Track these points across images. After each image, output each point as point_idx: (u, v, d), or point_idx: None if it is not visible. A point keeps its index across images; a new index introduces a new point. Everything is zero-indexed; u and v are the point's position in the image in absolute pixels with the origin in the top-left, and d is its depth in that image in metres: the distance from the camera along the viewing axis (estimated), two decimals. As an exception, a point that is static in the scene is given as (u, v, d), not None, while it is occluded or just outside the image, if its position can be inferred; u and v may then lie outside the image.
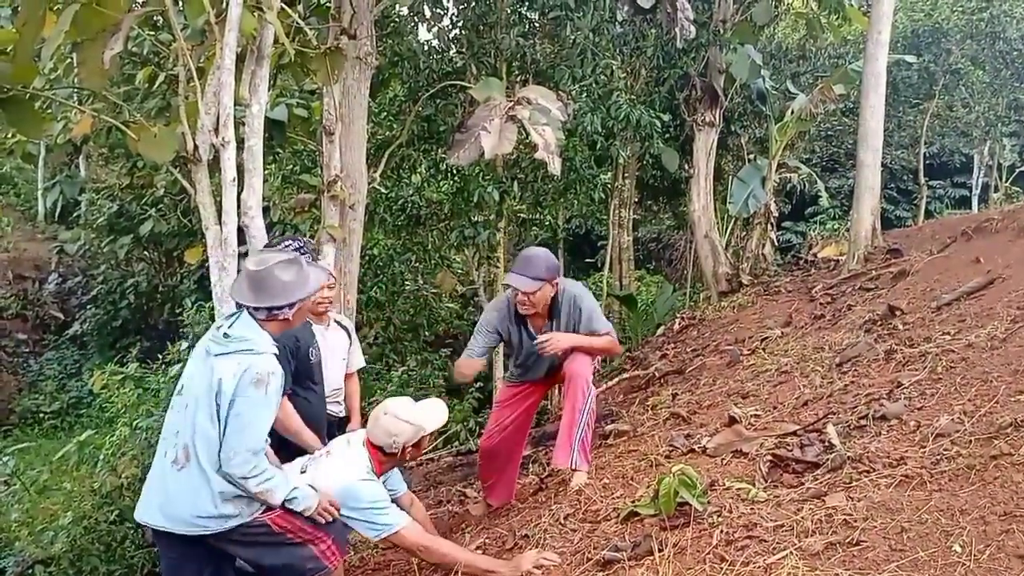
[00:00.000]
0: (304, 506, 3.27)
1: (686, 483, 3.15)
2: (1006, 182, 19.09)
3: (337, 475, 3.50)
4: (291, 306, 3.26)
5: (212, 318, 5.52)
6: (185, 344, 9.39)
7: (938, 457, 3.02)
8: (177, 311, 11.13)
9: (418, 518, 3.80)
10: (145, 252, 15.09)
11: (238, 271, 4.69)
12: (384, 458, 3.61)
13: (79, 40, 4.54)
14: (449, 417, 4.24)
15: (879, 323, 5.75)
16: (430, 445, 4.03)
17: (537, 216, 12.84)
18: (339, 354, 4.80)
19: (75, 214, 17.28)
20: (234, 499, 3.12)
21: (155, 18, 6.94)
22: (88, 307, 16.47)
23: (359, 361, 5.05)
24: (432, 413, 3.71)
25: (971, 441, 3.07)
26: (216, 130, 4.57)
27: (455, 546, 3.65)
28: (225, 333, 3.20)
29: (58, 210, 19.08)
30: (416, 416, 3.61)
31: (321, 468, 3.59)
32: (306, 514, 3.28)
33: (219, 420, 3.07)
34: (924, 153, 17.35)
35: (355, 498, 3.44)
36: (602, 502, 3.79)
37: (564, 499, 4.08)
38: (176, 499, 3.14)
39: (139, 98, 8.16)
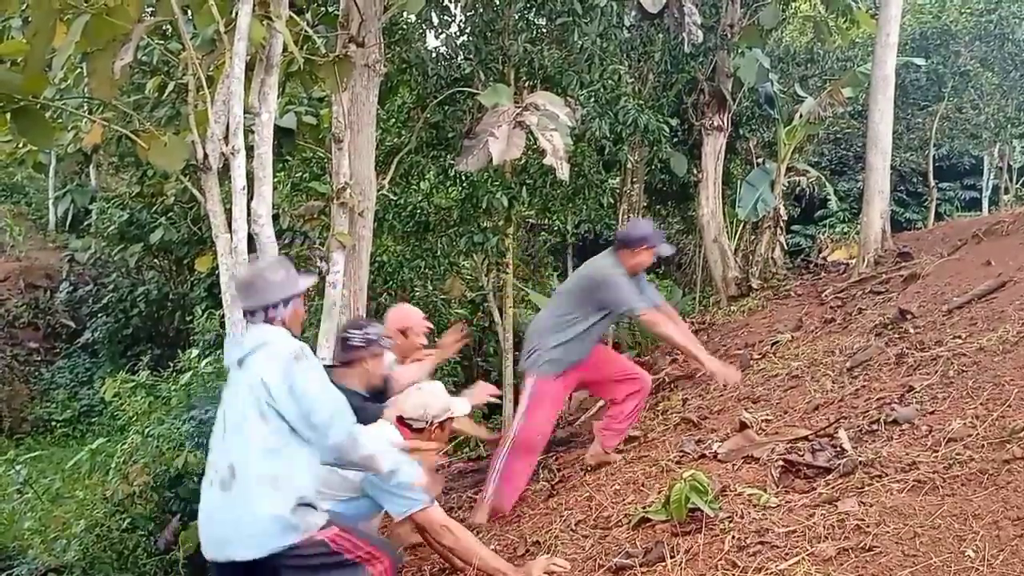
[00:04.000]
0: (407, 477, 3.34)
1: (697, 489, 3.15)
2: (1016, 184, 19.01)
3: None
4: (285, 303, 3.26)
5: (222, 325, 5.55)
6: (195, 351, 9.42)
7: (950, 462, 3.00)
8: (188, 319, 11.17)
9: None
10: (155, 260, 15.14)
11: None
12: (412, 435, 3.62)
13: (89, 50, 4.57)
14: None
15: (890, 327, 5.72)
16: (442, 448, 4.05)
17: (546, 221, 12.86)
18: None
19: (86, 223, 17.37)
20: (289, 512, 3.00)
21: (164, 27, 6.98)
22: (99, 315, 16.52)
23: None
24: (459, 400, 3.83)
25: (983, 445, 3.05)
26: (226, 138, 4.60)
27: (475, 538, 3.65)
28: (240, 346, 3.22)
29: (69, 219, 19.18)
30: (446, 395, 3.74)
31: None
32: (409, 482, 3.35)
33: (279, 414, 3.01)
34: (933, 155, 17.29)
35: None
36: (613, 508, 3.79)
37: (575, 505, 4.08)
38: (228, 522, 3.06)
39: (149, 107, 8.20)
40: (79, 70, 7.13)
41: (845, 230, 15.16)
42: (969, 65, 16.16)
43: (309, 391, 3.02)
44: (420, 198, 10.59)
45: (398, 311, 5.12)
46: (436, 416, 3.65)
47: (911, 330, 5.41)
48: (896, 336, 5.40)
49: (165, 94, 7.63)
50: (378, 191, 6.71)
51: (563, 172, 5.60)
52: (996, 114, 16.91)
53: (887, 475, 3.09)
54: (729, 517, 3.09)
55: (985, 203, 18.76)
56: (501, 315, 10.67)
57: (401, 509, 3.48)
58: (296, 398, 3.00)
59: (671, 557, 2.94)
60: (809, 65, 14.15)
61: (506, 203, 9.81)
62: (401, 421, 3.66)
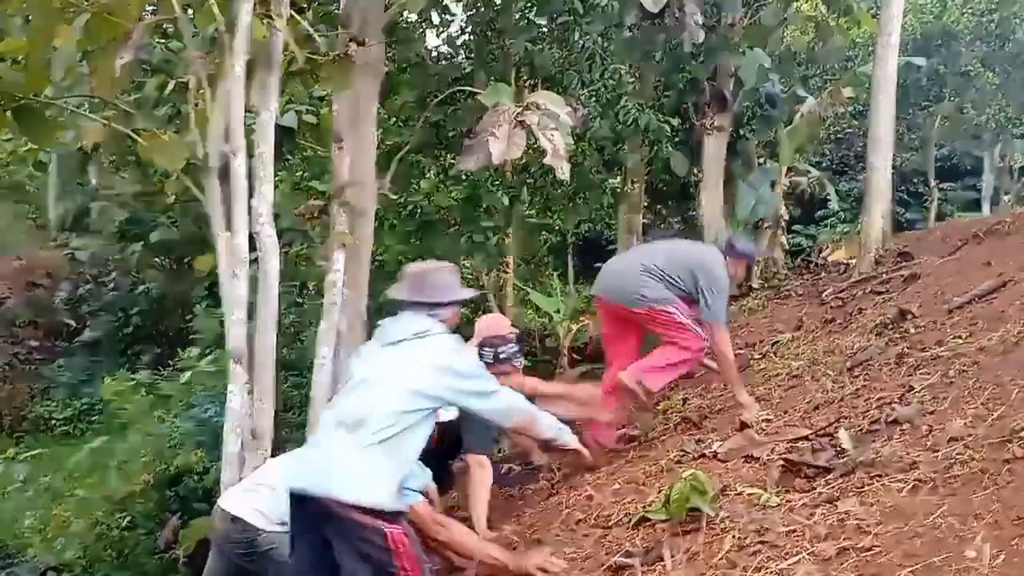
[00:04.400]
0: (566, 440, 3.56)
1: (697, 488, 3.15)
2: (1017, 184, 19.01)
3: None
4: (447, 306, 3.47)
5: (222, 325, 5.54)
6: (196, 350, 9.44)
7: (951, 461, 3.00)
8: (188, 318, 11.19)
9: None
10: (156, 259, 15.13)
11: (249, 278, 4.73)
12: None
13: (90, 49, 4.57)
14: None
15: (890, 327, 5.72)
16: None
17: (546, 221, 12.85)
18: None
19: (86, 222, 17.34)
20: (392, 483, 3.09)
21: (165, 26, 6.98)
22: (99, 314, 16.54)
23: None
24: None
25: (984, 445, 3.05)
26: (227, 137, 4.60)
27: (467, 530, 3.73)
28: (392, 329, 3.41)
29: (69, 218, 19.13)
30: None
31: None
32: (565, 445, 3.54)
33: (425, 397, 3.15)
34: (934, 156, 17.29)
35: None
36: (613, 507, 3.79)
37: (575, 504, 4.08)
38: (342, 460, 3.10)
39: (150, 106, 8.19)
40: (80, 69, 7.13)
41: (846, 230, 15.16)
42: (970, 65, 16.16)
43: (474, 370, 3.29)
44: (421, 198, 10.60)
45: (491, 320, 5.05)
46: None
47: (911, 330, 5.40)
48: (897, 336, 5.39)
49: (166, 93, 7.62)
50: (379, 190, 6.70)
51: (564, 172, 5.59)
52: (997, 114, 16.91)
53: (887, 475, 3.08)
54: (729, 517, 3.09)
55: (986, 203, 18.75)
56: (502, 314, 10.66)
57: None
58: (463, 376, 3.22)
59: (671, 556, 2.94)
60: (810, 65, 14.16)
61: (507, 203, 9.82)
62: None
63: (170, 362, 10.07)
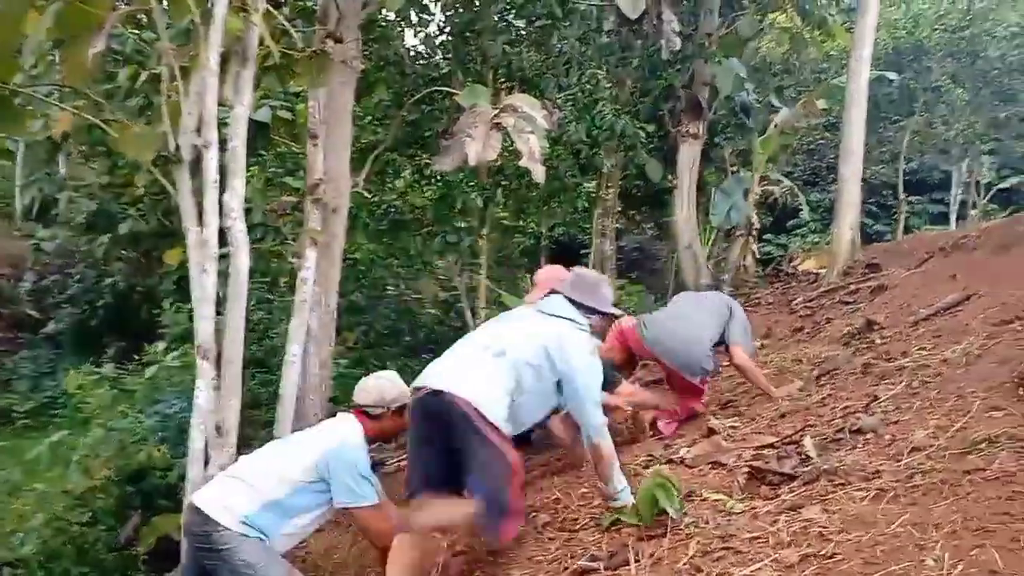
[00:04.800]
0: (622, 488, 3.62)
1: (664, 487, 3.16)
2: (984, 199, 19.30)
3: (333, 434, 3.68)
4: (601, 315, 3.90)
5: (191, 319, 5.48)
6: (162, 345, 9.32)
7: (913, 471, 3.03)
8: (155, 312, 11.04)
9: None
10: (123, 252, 14.91)
11: (218, 273, 4.68)
12: (369, 423, 3.77)
13: (62, 37, 4.50)
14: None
15: (857, 337, 5.80)
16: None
17: (520, 223, 12.86)
18: None
19: (53, 212, 17.08)
20: (509, 411, 3.47)
21: (139, 17, 6.90)
22: (64, 306, 16.28)
23: None
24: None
25: (945, 456, 3.09)
26: (199, 130, 4.55)
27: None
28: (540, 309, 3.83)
29: (36, 208, 18.82)
30: (401, 383, 3.89)
31: (311, 433, 3.85)
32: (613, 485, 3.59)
33: (543, 364, 3.57)
34: (904, 169, 17.52)
35: (346, 457, 3.56)
36: (580, 511, 3.79)
37: (542, 507, 4.08)
38: (476, 373, 3.47)
39: (121, 96, 8.08)
40: (51, 57, 7.02)
41: (816, 240, 15.33)
42: (940, 81, 16.40)
43: (595, 374, 3.66)
44: (395, 197, 10.56)
45: (549, 271, 5.18)
46: (393, 402, 3.79)
47: (878, 340, 5.47)
48: (863, 346, 5.46)
49: (138, 84, 7.52)
50: (352, 188, 6.67)
51: (539, 175, 5.60)
52: (966, 130, 17.16)
53: (850, 483, 3.11)
54: (694, 522, 3.10)
55: (953, 217, 19.04)
56: (473, 316, 10.65)
57: (346, 499, 3.55)
58: (582, 372, 3.59)
59: (636, 561, 2.95)
60: (785, 76, 14.31)
61: (481, 204, 9.80)
62: (358, 409, 3.80)
63: (135, 356, 9.92)
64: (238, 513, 3.46)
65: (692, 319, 5.24)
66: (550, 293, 3.95)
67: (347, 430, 3.71)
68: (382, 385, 3.85)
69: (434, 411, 3.41)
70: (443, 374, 3.49)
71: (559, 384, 3.63)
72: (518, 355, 3.55)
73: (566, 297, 3.83)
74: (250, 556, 3.42)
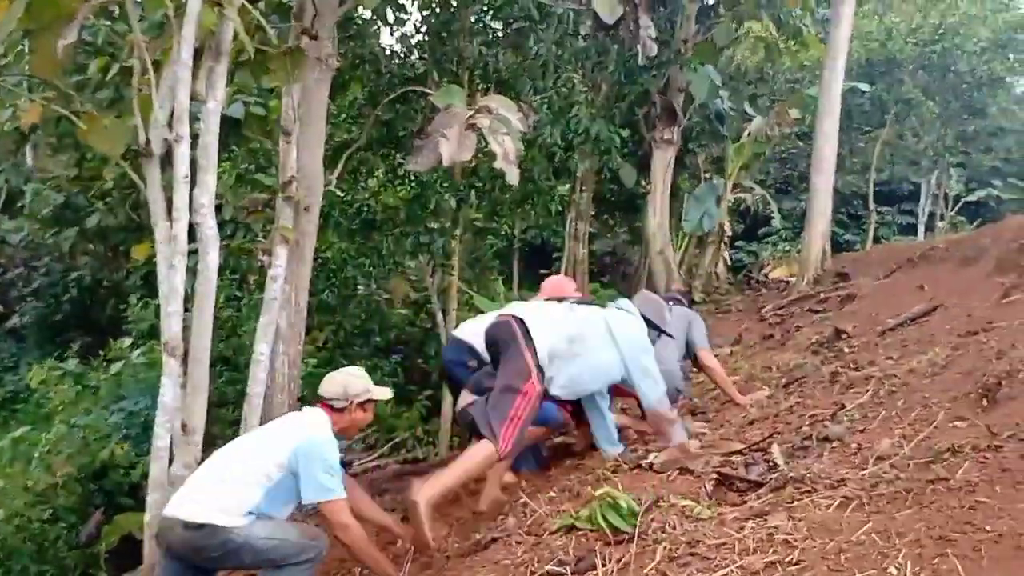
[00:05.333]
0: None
1: (613, 507, 3.17)
2: (951, 211, 19.59)
3: (301, 428, 3.74)
4: (660, 333, 4.70)
5: (157, 316, 5.42)
6: (128, 341, 9.20)
7: (877, 480, 3.06)
8: (121, 307, 10.91)
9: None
10: (90, 246, 14.68)
11: (187, 269, 4.63)
12: (334, 416, 3.83)
13: (32, 28, 4.43)
14: (397, 423, 4.49)
15: (825, 345, 5.85)
16: (378, 451, 4.24)
17: (493, 225, 12.84)
18: None
19: (19, 204, 16.80)
20: (561, 358, 4.15)
21: (111, 8, 6.80)
22: (28, 300, 16.02)
23: None
24: (381, 387, 4.06)
25: (909, 465, 3.12)
26: (170, 125, 4.50)
27: (369, 543, 3.80)
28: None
29: (1, 199, 18.52)
30: (366, 378, 3.98)
31: (279, 426, 3.92)
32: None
33: (612, 342, 4.32)
34: (874, 180, 17.72)
35: (315, 451, 3.62)
36: (547, 516, 3.78)
37: (509, 511, 4.07)
38: (537, 313, 4.25)
39: (91, 89, 7.97)
40: (20, 47, 6.91)
41: (787, 248, 15.46)
42: (912, 93, 16.61)
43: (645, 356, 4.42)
44: (368, 196, 10.50)
45: (556, 281, 5.60)
46: (356, 396, 3.85)
47: (846, 349, 5.53)
48: (831, 355, 5.52)
49: (108, 76, 7.42)
50: (325, 187, 6.62)
51: (513, 177, 5.60)
52: (935, 142, 17.40)
53: (816, 491, 3.13)
54: (661, 528, 3.11)
55: (921, 228, 19.29)
56: (444, 317, 10.62)
57: (312, 494, 3.59)
58: (637, 351, 4.34)
59: (603, 566, 2.94)
60: (759, 84, 14.42)
61: (454, 205, 9.78)
62: (324, 403, 3.86)
63: (100, 352, 9.79)
64: (235, 510, 3.52)
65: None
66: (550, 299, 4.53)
67: (315, 424, 3.76)
68: (347, 380, 3.91)
69: (492, 334, 4.20)
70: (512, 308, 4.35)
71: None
72: (588, 315, 4.34)
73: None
74: (265, 531, 3.54)
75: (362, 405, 3.90)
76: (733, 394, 5.21)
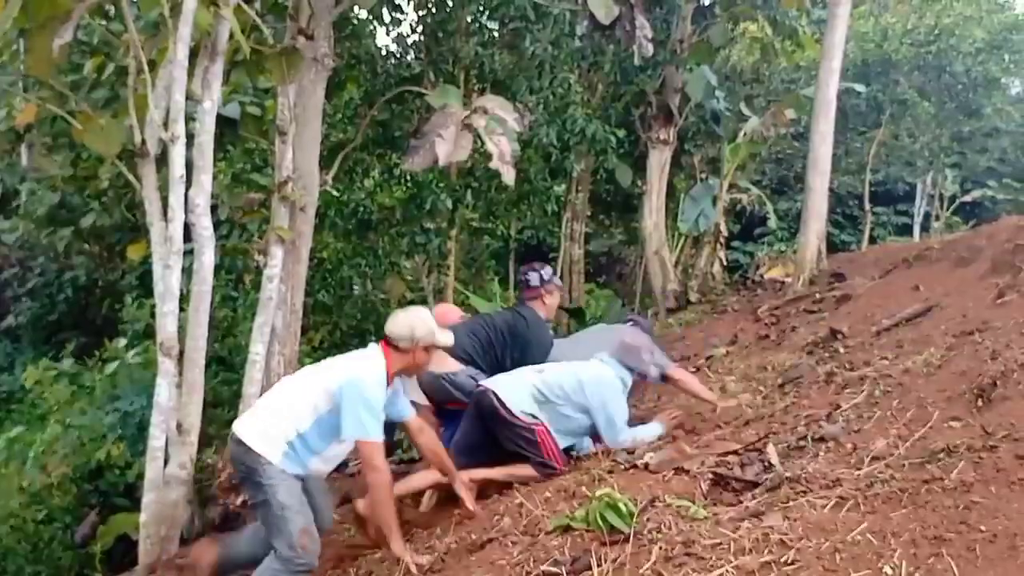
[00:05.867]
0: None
1: (613, 507, 3.17)
2: (947, 212, 19.61)
3: (352, 365, 3.87)
4: (629, 369, 4.90)
5: (153, 316, 5.41)
6: (123, 341, 9.18)
7: (873, 480, 3.07)
8: (117, 307, 10.89)
9: (430, 443, 4.25)
10: (86, 245, 14.66)
11: (182, 269, 4.63)
12: (396, 356, 3.92)
13: (27, 27, 4.43)
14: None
15: (821, 346, 5.85)
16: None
17: (489, 225, 12.85)
18: None
19: (14, 204, 16.75)
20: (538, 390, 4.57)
21: (107, 7, 6.79)
22: (23, 300, 15.97)
23: None
24: (445, 332, 4.11)
25: (905, 465, 3.13)
26: (165, 124, 4.49)
27: (391, 496, 3.88)
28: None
29: (-4, 199, 18.48)
30: (433, 322, 4.04)
31: (339, 361, 4.01)
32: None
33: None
34: (869, 180, 17.74)
35: (359, 388, 3.73)
36: (543, 516, 3.78)
37: (506, 511, 4.07)
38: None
39: (87, 88, 7.96)
40: (15, 46, 6.90)
41: (783, 248, 15.44)
42: (907, 94, 16.62)
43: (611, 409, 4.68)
44: (363, 196, 10.50)
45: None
46: (422, 339, 3.92)
47: (841, 350, 5.53)
48: (827, 355, 5.52)
49: (104, 76, 7.41)
50: (321, 187, 6.63)
51: (509, 177, 5.61)
52: (931, 143, 17.41)
53: (811, 491, 3.14)
54: (657, 528, 3.11)
55: (916, 229, 19.31)
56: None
57: (350, 431, 3.72)
58: (604, 405, 4.64)
59: (598, 566, 2.94)
60: (755, 85, 14.42)
61: (450, 205, 9.78)
62: (387, 341, 3.95)
63: (96, 352, 9.77)
64: (278, 444, 3.69)
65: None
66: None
67: (369, 364, 3.87)
68: (414, 322, 3.96)
69: (478, 405, 4.61)
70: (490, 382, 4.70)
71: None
72: (558, 378, 4.64)
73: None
74: (286, 498, 3.66)
75: (426, 348, 3.97)
76: (701, 392, 5.25)
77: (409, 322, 3.94)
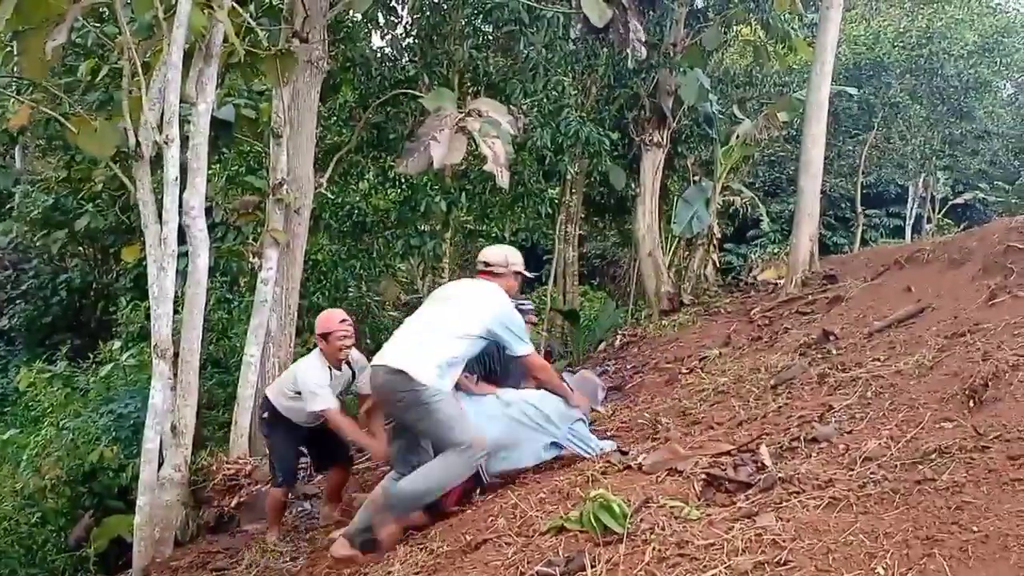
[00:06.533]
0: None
1: (606, 508, 3.18)
2: (938, 214, 19.69)
3: (492, 297, 4.40)
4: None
5: (147, 318, 5.41)
6: (118, 343, 9.17)
7: (865, 480, 3.09)
8: (111, 309, 10.87)
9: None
10: (80, 248, 14.63)
11: (177, 271, 4.63)
12: (496, 281, 4.53)
13: (21, 29, 4.43)
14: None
15: (814, 347, 5.87)
16: None
17: (484, 228, 12.86)
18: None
19: (8, 206, 16.69)
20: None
21: (101, 10, 6.79)
22: (17, 302, 15.91)
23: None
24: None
25: (897, 466, 3.15)
26: (160, 127, 4.50)
27: (560, 380, 4.70)
28: None
29: (-10, 201, 18.42)
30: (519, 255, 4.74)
31: (466, 292, 4.56)
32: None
33: None
34: (861, 183, 17.80)
35: (510, 315, 4.34)
36: (537, 516, 3.79)
37: (500, 512, 4.08)
38: None
39: (81, 90, 7.95)
40: (9, 48, 6.89)
41: (775, 251, 15.48)
42: (899, 97, 16.68)
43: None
44: (358, 198, 10.51)
45: (325, 314, 5.46)
46: (513, 264, 4.63)
47: (833, 351, 5.56)
48: (819, 356, 5.54)
49: (98, 78, 7.41)
50: (316, 189, 6.64)
51: (503, 179, 5.62)
52: (922, 146, 17.48)
53: (804, 491, 3.16)
54: (651, 529, 3.12)
55: (908, 231, 19.37)
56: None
57: (521, 348, 4.36)
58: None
59: (592, 567, 2.96)
60: (747, 88, 14.46)
61: (445, 207, 9.79)
62: (484, 271, 4.59)
63: (90, 354, 9.76)
64: (433, 370, 4.08)
65: None
66: None
67: (499, 293, 4.44)
68: (507, 250, 4.75)
69: None
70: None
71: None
72: (517, 410, 4.61)
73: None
74: (449, 409, 4.13)
75: (515, 274, 4.64)
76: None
77: (503, 251, 4.71)
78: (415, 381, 4.05)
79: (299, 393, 5.04)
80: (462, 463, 4.15)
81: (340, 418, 5.00)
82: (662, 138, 11.71)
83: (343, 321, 5.25)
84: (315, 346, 5.31)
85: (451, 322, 4.30)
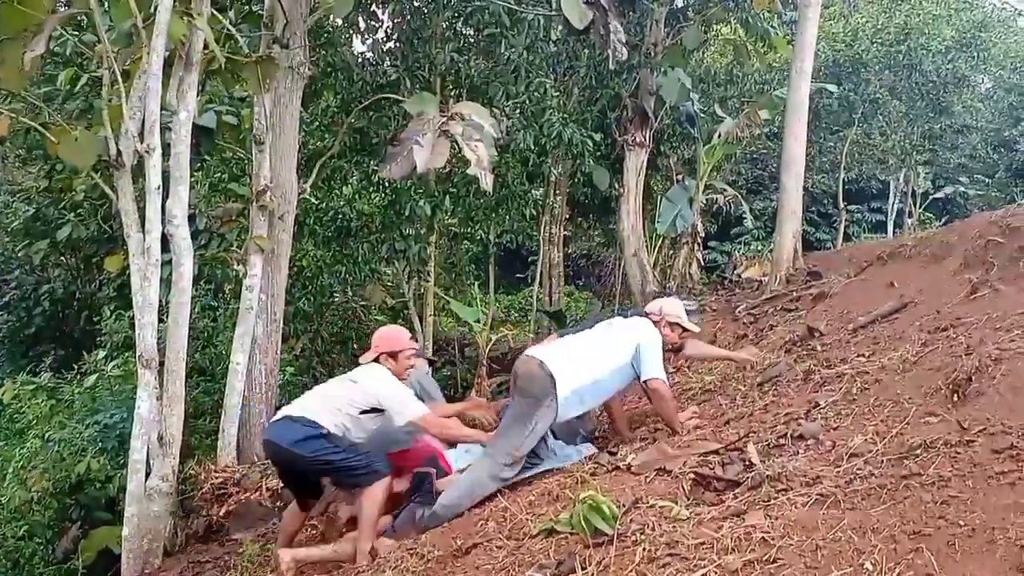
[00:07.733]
0: None
1: (597, 509, 3.19)
2: (920, 208, 19.84)
3: (641, 329, 4.89)
4: (672, 327, 5.14)
5: (132, 327, 5.37)
6: (102, 353, 9.10)
7: (852, 476, 3.10)
8: (95, 320, 10.79)
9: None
10: (62, 258, 14.51)
11: (161, 280, 4.61)
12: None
13: (-1, 39, 4.40)
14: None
15: (799, 344, 5.90)
16: None
17: (468, 231, 12.85)
18: None
19: (-12, 217, 16.54)
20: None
21: (80, 19, 6.76)
22: (0, 313, 15.79)
23: None
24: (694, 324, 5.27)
25: (883, 461, 3.17)
26: (141, 136, 4.48)
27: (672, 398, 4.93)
28: None
29: (-31, 212, 18.25)
30: (682, 309, 5.19)
31: (620, 325, 5.04)
32: None
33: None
34: (843, 179, 17.92)
35: (656, 345, 4.80)
36: (527, 519, 3.80)
37: (490, 515, 4.08)
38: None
39: (60, 100, 7.90)
40: (-14, 58, 6.83)
41: (759, 248, 15.57)
42: (879, 93, 16.81)
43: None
44: (342, 203, 10.49)
45: (388, 331, 5.47)
46: (668, 315, 5.09)
47: (818, 348, 5.59)
48: (804, 353, 5.56)
49: (78, 87, 7.37)
50: (299, 195, 6.61)
51: (487, 182, 5.61)
52: (902, 141, 17.61)
53: (792, 489, 3.17)
54: (641, 529, 3.13)
55: (890, 226, 19.52)
56: (421, 323, 10.63)
57: (658, 374, 4.73)
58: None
59: (583, 568, 2.96)
60: (729, 87, 14.53)
61: (429, 211, 9.78)
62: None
63: (74, 365, 9.68)
64: (569, 384, 4.51)
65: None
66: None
67: (649, 326, 4.89)
68: (667, 301, 5.22)
69: None
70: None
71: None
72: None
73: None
74: (543, 424, 4.51)
75: (670, 324, 5.04)
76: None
77: (662, 301, 5.22)
78: (551, 383, 4.48)
79: (375, 409, 4.80)
80: (489, 477, 4.49)
81: (440, 420, 4.93)
82: (645, 138, 11.75)
83: (411, 338, 5.25)
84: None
85: (603, 349, 4.81)
